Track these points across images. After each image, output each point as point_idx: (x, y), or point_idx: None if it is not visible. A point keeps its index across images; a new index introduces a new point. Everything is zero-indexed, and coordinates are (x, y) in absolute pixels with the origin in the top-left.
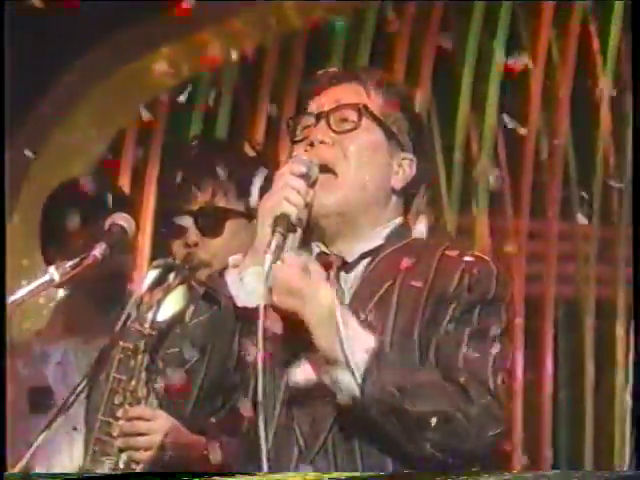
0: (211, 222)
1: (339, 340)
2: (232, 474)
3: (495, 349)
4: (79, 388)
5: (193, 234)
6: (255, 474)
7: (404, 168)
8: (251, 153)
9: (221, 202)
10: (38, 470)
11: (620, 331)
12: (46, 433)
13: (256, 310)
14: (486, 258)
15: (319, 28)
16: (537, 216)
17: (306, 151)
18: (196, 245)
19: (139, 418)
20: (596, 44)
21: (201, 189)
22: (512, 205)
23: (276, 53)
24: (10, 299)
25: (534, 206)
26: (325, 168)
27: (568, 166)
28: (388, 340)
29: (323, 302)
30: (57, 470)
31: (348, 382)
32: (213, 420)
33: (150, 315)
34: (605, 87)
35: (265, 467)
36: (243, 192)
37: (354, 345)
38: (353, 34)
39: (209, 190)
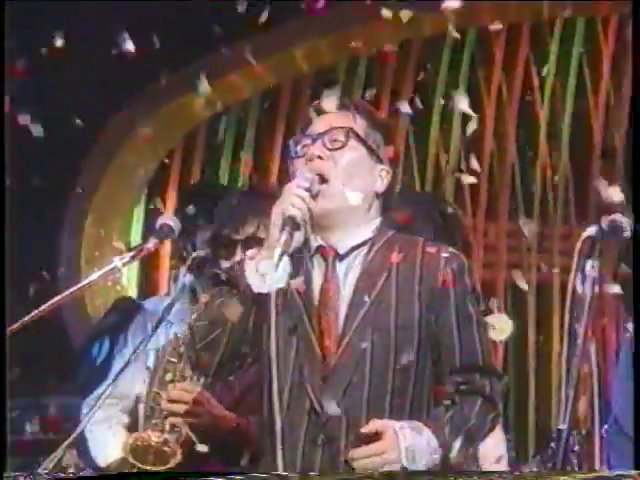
0: (253, 247)
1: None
2: (233, 474)
3: (481, 331)
4: (140, 347)
5: (239, 255)
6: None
7: (382, 177)
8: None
9: (261, 234)
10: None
11: (556, 306)
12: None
13: (268, 295)
14: (458, 253)
15: (323, 70)
16: (491, 218)
17: (305, 164)
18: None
19: (179, 393)
20: (536, 82)
21: (246, 224)
22: (471, 209)
23: (288, 91)
24: (84, 282)
25: (488, 210)
26: (321, 177)
27: (514, 181)
28: (392, 327)
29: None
30: None
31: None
32: (231, 378)
33: (195, 315)
34: (543, 119)
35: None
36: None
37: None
38: (350, 75)
39: (254, 225)
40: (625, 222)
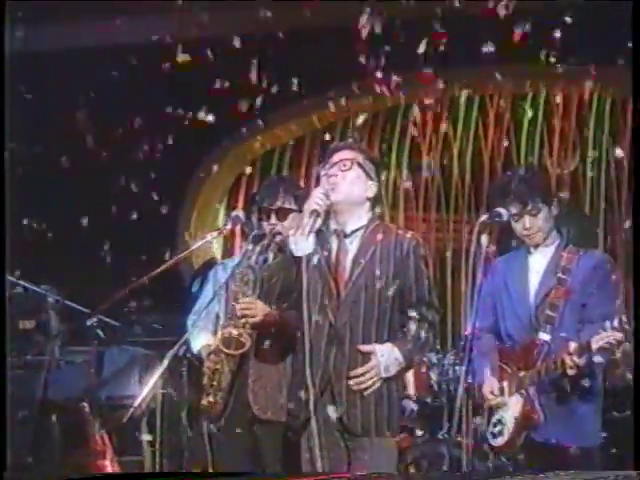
0: (282, 214)
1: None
2: (236, 474)
3: (429, 280)
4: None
5: (273, 219)
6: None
7: (372, 188)
8: (301, 184)
9: (287, 205)
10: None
11: (463, 262)
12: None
13: (302, 257)
14: (417, 235)
15: (329, 126)
16: (425, 211)
17: (326, 180)
18: (275, 225)
19: (247, 304)
20: (452, 135)
21: (278, 198)
22: (415, 205)
23: (309, 139)
24: (190, 249)
25: (425, 205)
26: (335, 186)
27: (439, 190)
28: (377, 277)
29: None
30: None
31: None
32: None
33: (253, 259)
34: (455, 157)
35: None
36: (297, 201)
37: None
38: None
39: (282, 199)
40: (503, 212)
